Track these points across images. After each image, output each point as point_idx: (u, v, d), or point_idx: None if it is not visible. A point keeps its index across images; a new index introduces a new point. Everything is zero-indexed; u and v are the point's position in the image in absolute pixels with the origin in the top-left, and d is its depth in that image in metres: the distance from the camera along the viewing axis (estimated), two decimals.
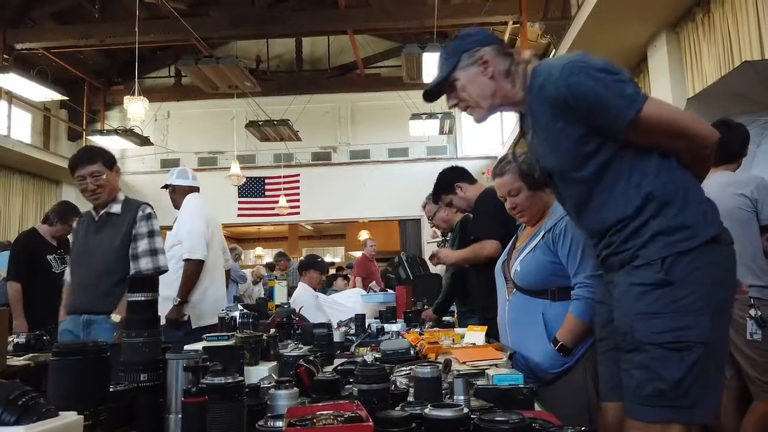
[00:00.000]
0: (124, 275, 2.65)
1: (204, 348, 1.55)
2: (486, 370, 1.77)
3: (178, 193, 3.61)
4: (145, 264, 2.68)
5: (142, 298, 1.29)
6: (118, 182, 2.85)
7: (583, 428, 1.09)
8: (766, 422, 2.78)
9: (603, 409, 1.73)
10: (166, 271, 2.82)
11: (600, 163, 1.51)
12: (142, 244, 2.72)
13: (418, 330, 2.90)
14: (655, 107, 1.46)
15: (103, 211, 2.77)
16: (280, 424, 1.02)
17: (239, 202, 10.71)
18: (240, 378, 1.12)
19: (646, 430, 1.46)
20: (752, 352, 2.66)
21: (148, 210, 2.80)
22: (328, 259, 14.44)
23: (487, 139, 10.46)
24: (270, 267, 9.79)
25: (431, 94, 1.73)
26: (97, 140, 7.97)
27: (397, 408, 1.14)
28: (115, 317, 2.57)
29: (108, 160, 2.78)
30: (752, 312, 2.61)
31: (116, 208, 2.78)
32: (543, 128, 1.57)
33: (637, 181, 1.50)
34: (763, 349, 2.63)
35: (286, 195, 10.40)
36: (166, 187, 3.71)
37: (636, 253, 1.49)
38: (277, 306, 4.65)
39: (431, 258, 3.23)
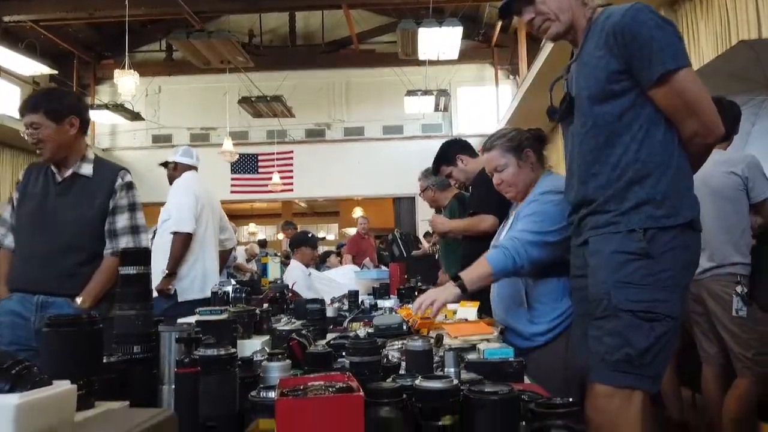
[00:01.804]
0: (93, 253, 2.26)
1: (197, 321, 1.55)
2: (477, 345, 1.79)
3: (178, 171, 3.66)
4: (125, 243, 2.25)
5: (134, 272, 1.28)
6: (77, 139, 2.30)
7: (570, 399, 1.11)
8: (748, 398, 2.84)
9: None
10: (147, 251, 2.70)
11: (619, 108, 1.56)
12: (122, 220, 2.30)
13: (411, 306, 2.92)
14: (691, 76, 1.52)
15: (70, 171, 2.28)
16: (272, 394, 1.03)
17: (232, 179, 10.68)
18: (232, 350, 1.13)
19: (613, 397, 1.54)
20: (737, 329, 2.70)
21: (128, 177, 2.37)
22: (321, 236, 14.47)
23: (483, 116, 10.42)
24: (262, 244, 9.78)
25: (506, 8, 1.73)
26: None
27: (388, 380, 1.15)
28: (80, 301, 2.17)
29: (54, 110, 2.21)
30: (738, 289, 2.65)
31: (86, 169, 2.30)
32: (586, 54, 1.62)
33: (640, 140, 1.54)
34: (748, 326, 2.68)
35: (279, 172, 10.36)
36: (165, 164, 3.74)
37: (617, 218, 1.55)
38: (270, 283, 4.67)
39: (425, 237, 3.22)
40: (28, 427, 0.76)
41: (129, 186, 2.35)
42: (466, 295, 2.04)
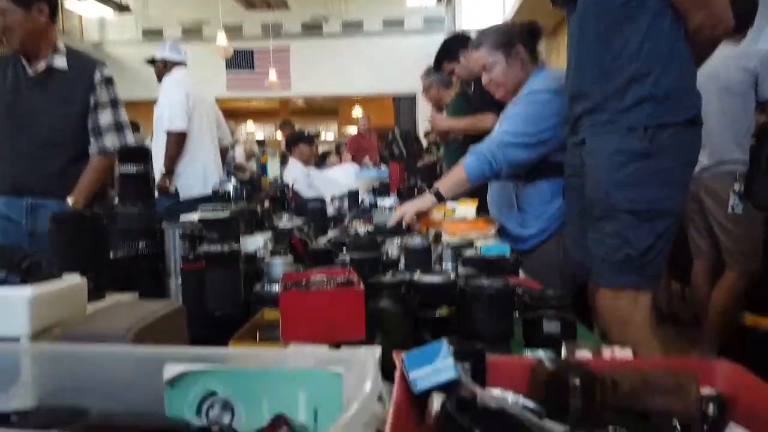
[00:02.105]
0: (78, 151, 2.19)
1: (199, 219, 1.57)
2: (474, 242, 1.83)
3: (167, 68, 3.57)
4: (111, 142, 2.18)
5: (134, 170, 1.29)
6: (48, 28, 2.14)
7: (562, 292, 1.15)
8: (736, 291, 2.96)
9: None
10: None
11: None
12: (105, 116, 2.20)
13: None
14: None
15: (42, 64, 2.14)
16: (276, 288, 1.07)
17: (228, 76, 10.37)
18: (236, 246, 1.16)
19: (619, 297, 1.56)
20: (731, 225, 2.76)
21: (107, 71, 2.24)
22: (321, 137, 14.33)
23: (488, 11, 9.92)
24: (260, 143, 9.70)
25: None
26: (74, 6, 7.50)
27: (388, 274, 1.19)
28: (71, 202, 2.12)
29: None
30: (736, 186, 2.67)
31: (60, 61, 2.16)
32: None
33: (644, 32, 1.47)
34: (741, 222, 2.73)
35: (275, 68, 10.05)
36: (152, 62, 3.63)
37: (616, 116, 1.51)
38: (270, 182, 4.68)
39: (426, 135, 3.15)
40: (42, 318, 0.79)
41: (109, 81, 2.23)
42: (444, 202, 2.05)
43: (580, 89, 1.61)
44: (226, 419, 0.60)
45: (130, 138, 2.32)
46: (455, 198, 2.30)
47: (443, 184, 2.00)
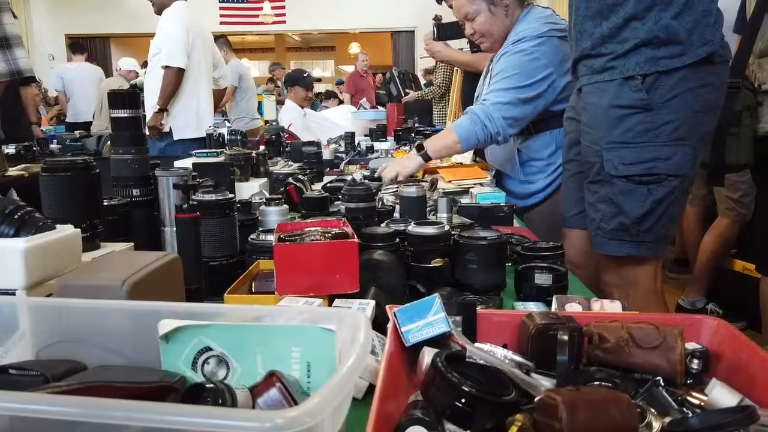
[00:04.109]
0: None
1: (193, 164, 1.56)
2: (470, 189, 1.83)
3: (167, 1, 3.39)
4: None
5: (125, 115, 1.26)
6: None
7: (557, 243, 1.16)
8: (727, 236, 2.99)
9: (565, 236, 1.72)
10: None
11: None
12: None
13: (407, 148, 2.94)
14: None
15: None
16: (271, 238, 1.07)
17: (221, 8, 10.02)
18: (230, 195, 1.15)
19: (619, 267, 1.47)
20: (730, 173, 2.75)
21: None
22: (317, 73, 14.02)
23: None
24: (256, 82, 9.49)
25: None
26: None
27: (382, 224, 1.19)
28: None
29: None
30: None
31: None
32: None
33: None
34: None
35: (270, 1, 9.71)
36: None
37: (612, 62, 1.35)
38: (266, 123, 4.62)
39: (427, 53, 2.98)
40: (37, 270, 0.80)
41: None
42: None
43: (577, 28, 1.45)
44: (221, 374, 0.62)
45: (25, 64, 2.00)
46: None
47: (432, 144, 1.89)
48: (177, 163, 1.76)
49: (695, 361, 0.74)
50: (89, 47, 8.39)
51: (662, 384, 0.68)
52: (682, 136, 1.32)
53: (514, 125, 1.86)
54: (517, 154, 2.03)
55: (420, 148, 1.90)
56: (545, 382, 0.70)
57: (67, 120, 6.59)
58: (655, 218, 1.37)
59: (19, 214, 0.87)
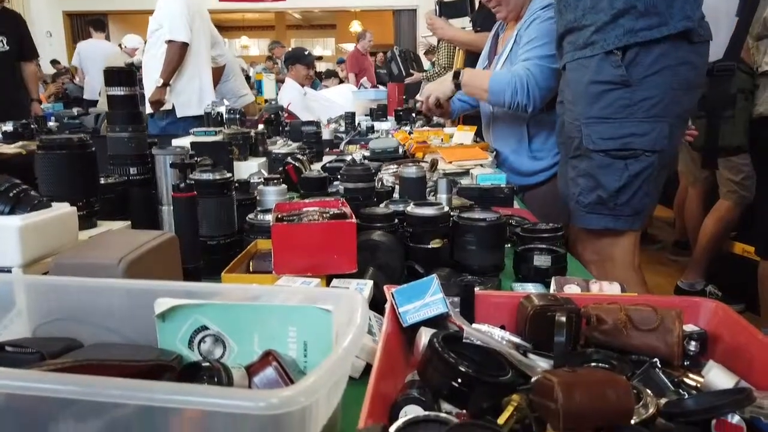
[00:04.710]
0: None
1: (191, 143, 1.55)
2: (471, 170, 1.82)
3: None
4: None
5: (122, 92, 1.24)
6: None
7: (557, 225, 1.16)
8: (727, 218, 2.99)
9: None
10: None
11: None
12: None
13: (407, 129, 2.92)
14: None
15: None
16: (269, 218, 1.07)
17: None
18: (228, 174, 1.14)
19: (596, 242, 1.51)
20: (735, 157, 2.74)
21: None
22: (317, 51, 13.87)
23: None
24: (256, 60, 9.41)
25: None
26: None
27: (381, 205, 1.19)
28: None
29: None
30: None
31: None
32: None
33: None
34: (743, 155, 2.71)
35: None
36: None
37: (594, 36, 1.37)
38: (265, 101, 4.58)
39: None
40: (33, 248, 0.80)
41: None
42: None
43: (562, 2, 1.46)
44: (217, 353, 0.62)
45: None
46: (454, 123, 2.24)
47: (468, 77, 1.93)
48: (175, 142, 1.75)
49: (693, 343, 0.74)
50: (85, 25, 8.31)
51: (659, 366, 0.68)
52: (660, 113, 1.35)
53: (547, 96, 1.85)
54: (527, 128, 2.01)
55: (456, 75, 1.94)
56: (542, 363, 0.70)
57: (84, 97, 6.62)
58: (632, 192, 1.40)
59: (14, 192, 0.87)
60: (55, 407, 0.44)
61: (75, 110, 4.34)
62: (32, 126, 2.85)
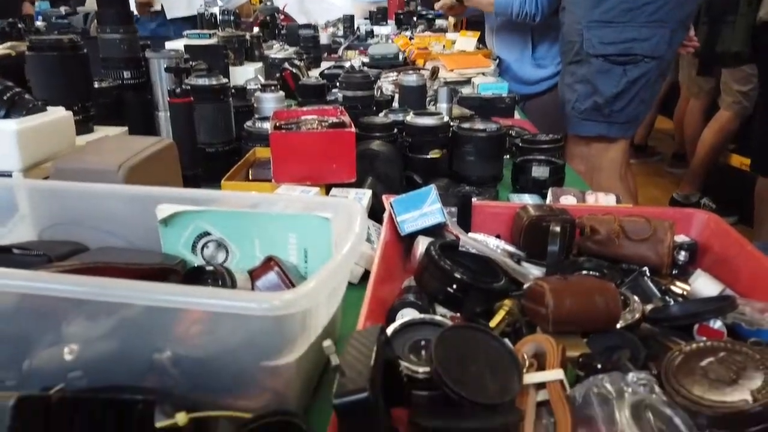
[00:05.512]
0: None
1: (185, 46, 1.50)
2: (472, 78, 1.78)
3: None
4: None
5: None
6: None
7: (557, 136, 1.15)
8: (727, 129, 2.97)
9: None
10: None
11: None
12: None
13: (408, 34, 2.81)
14: None
15: None
16: (267, 125, 1.05)
17: None
18: (224, 80, 1.12)
19: (589, 145, 1.52)
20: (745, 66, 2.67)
21: None
22: None
23: None
24: None
25: None
26: None
27: (381, 114, 1.17)
28: None
29: None
30: None
31: None
32: None
33: None
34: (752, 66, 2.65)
35: None
36: None
37: None
38: (260, 2, 4.37)
39: None
40: (32, 152, 0.79)
41: None
42: None
43: None
44: (220, 258, 0.63)
45: None
46: (456, 27, 2.16)
47: None
48: (168, 45, 1.69)
49: (683, 253, 0.76)
50: None
51: (648, 274, 0.70)
52: (663, 18, 1.35)
53: (554, 3, 1.78)
54: (531, 35, 1.94)
55: None
56: (535, 271, 0.72)
57: None
58: (628, 99, 1.42)
59: (8, 95, 0.85)
60: (64, 307, 0.45)
61: (62, 9, 4.14)
62: (20, 26, 2.73)
